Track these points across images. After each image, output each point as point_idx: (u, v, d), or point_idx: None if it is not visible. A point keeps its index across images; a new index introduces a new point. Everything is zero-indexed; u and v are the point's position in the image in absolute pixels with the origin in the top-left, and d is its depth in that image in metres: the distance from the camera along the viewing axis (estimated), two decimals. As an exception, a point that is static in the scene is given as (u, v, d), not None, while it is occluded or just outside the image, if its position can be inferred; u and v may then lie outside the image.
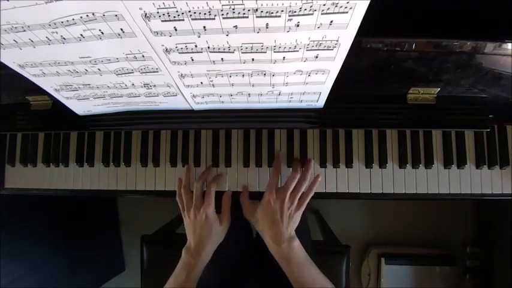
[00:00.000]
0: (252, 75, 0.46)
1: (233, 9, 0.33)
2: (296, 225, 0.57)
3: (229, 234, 0.76)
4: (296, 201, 0.56)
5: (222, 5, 0.33)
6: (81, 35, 0.38)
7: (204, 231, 0.57)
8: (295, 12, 0.33)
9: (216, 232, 0.58)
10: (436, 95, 0.56)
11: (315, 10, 0.33)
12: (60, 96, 0.53)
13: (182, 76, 0.46)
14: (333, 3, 0.32)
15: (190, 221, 0.58)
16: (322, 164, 0.64)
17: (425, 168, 0.63)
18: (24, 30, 0.37)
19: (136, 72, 0.45)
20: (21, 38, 0.39)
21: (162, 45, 0.39)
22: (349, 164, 0.63)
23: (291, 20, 0.34)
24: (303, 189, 0.57)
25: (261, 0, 0.32)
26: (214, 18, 0.34)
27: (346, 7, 0.33)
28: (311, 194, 0.58)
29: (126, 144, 0.68)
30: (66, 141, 0.70)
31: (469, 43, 0.45)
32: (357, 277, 1.38)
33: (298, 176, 0.57)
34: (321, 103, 0.55)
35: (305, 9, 0.33)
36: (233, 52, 0.40)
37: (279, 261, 0.55)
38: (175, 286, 0.56)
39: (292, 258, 0.54)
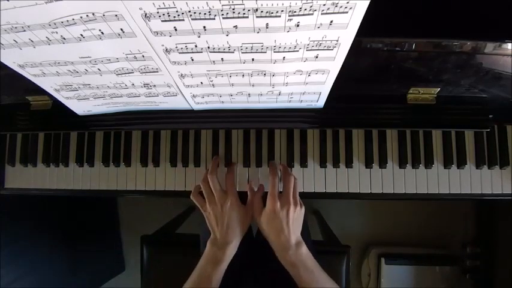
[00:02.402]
0: (252, 75, 0.46)
1: (233, 9, 0.33)
2: (301, 225, 0.57)
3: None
4: (298, 202, 0.56)
5: (222, 5, 0.33)
6: (81, 35, 0.38)
7: (232, 221, 0.55)
8: (295, 12, 0.33)
9: (243, 220, 0.57)
10: (436, 95, 0.56)
11: (315, 10, 0.33)
12: (60, 96, 0.53)
13: (182, 76, 0.46)
14: (333, 3, 0.32)
15: (215, 213, 0.56)
16: (322, 164, 0.64)
17: (425, 168, 0.63)
18: (24, 30, 0.37)
19: (136, 72, 0.45)
20: (21, 38, 0.39)
21: (162, 45, 0.39)
22: (349, 164, 0.63)
23: (291, 20, 0.34)
24: (298, 187, 0.57)
25: (261, 0, 0.32)
26: (214, 18, 0.34)
27: (346, 7, 0.33)
28: (298, 189, 0.58)
29: (126, 144, 0.68)
30: (66, 141, 0.70)
31: (469, 43, 0.45)
32: (357, 277, 1.38)
33: (292, 177, 0.57)
34: (321, 103, 0.55)
35: (305, 9, 0.33)
36: (233, 52, 0.40)
37: (286, 266, 0.54)
38: (201, 279, 0.53)
39: (300, 264, 0.53)
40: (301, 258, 0.53)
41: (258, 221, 0.58)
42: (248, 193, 0.60)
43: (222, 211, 0.55)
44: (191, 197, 0.59)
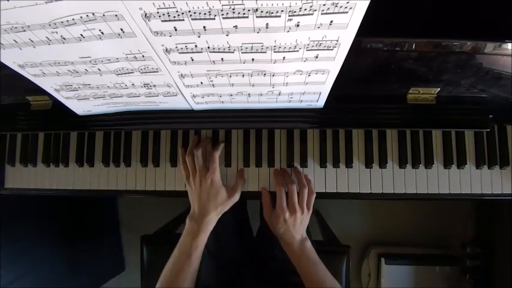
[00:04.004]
0: (252, 75, 0.46)
1: (233, 9, 0.33)
2: (306, 226, 0.60)
3: (230, 234, 0.76)
4: (305, 209, 0.58)
5: (222, 5, 0.33)
6: (81, 35, 0.38)
7: (210, 197, 0.57)
8: (295, 12, 0.33)
9: (221, 199, 0.58)
10: (436, 95, 0.56)
11: (315, 10, 0.33)
12: (60, 96, 0.53)
13: (182, 76, 0.46)
14: (333, 3, 0.32)
15: (195, 188, 0.58)
16: (322, 164, 0.64)
17: (425, 168, 0.63)
18: (24, 30, 0.37)
19: (136, 72, 0.45)
20: (21, 38, 0.39)
21: (162, 45, 0.39)
22: (349, 164, 0.63)
23: (291, 20, 0.34)
24: (306, 195, 0.58)
25: (261, 0, 0.32)
26: (214, 18, 0.34)
27: (346, 7, 0.33)
28: (314, 195, 0.60)
29: (126, 144, 0.68)
30: (66, 141, 0.70)
31: (469, 43, 0.45)
32: (357, 277, 1.38)
33: (295, 186, 0.59)
34: (321, 103, 0.55)
35: (305, 9, 0.33)
36: (233, 52, 0.40)
37: (291, 258, 0.58)
38: (181, 252, 0.56)
39: (304, 256, 0.57)
40: (305, 251, 0.57)
41: (267, 222, 0.61)
42: (262, 194, 0.63)
43: (201, 187, 0.57)
44: (181, 166, 0.61)
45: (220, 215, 0.59)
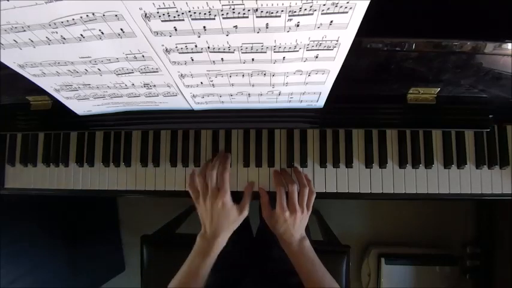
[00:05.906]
0: (252, 75, 0.46)
1: (233, 9, 0.33)
2: (305, 225, 0.61)
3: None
4: (305, 209, 0.59)
5: (222, 5, 0.33)
6: (81, 35, 0.38)
7: (221, 219, 0.57)
8: (295, 12, 0.33)
9: (233, 220, 0.58)
10: (436, 95, 0.56)
11: (315, 10, 0.33)
12: (60, 96, 0.53)
13: (182, 76, 0.46)
14: (333, 3, 0.32)
15: (206, 209, 0.58)
16: (322, 164, 0.64)
17: (425, 168, 0.63)
18: (24, 30, 0.37)
19: (136, 72, 0.45)
20: (21, 38, 0.39)
21: (162, 45, 0.39)
22: (349, 164, 0.63)
23: (291, 20, 0.34)
24: (306, 195, 0.59)
25: (261, 0, 0.32)
26: (214, 18, 0.34)
27: (346, 7, 0.33)
28: (314, 195, 0.60)
29: (126, 144, 0.68)
30: (66, 141, 0.70)
31: (469, 43, 0.45)
32: (357, 277, 1.38)
33: (295, 186, 0.59)
34: (321, 103, 0.55)
35: (305, 9, 0.33)
36: (233, 52, 0.40)
37: (290, 257, 0.59)
38: (189, 270, 0.56)
39: (302, 255, 0.58)
40: (304, 251, 0.58)
41: (266, 221, 0.61)
42: (260, 194, 0.63)
43: (213, 208, 0.57)
44: (187, 186, 0.60)
45: (231, 233, 0.60)
